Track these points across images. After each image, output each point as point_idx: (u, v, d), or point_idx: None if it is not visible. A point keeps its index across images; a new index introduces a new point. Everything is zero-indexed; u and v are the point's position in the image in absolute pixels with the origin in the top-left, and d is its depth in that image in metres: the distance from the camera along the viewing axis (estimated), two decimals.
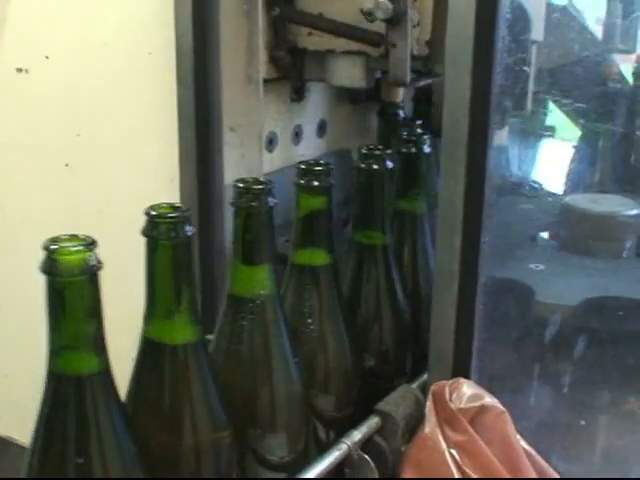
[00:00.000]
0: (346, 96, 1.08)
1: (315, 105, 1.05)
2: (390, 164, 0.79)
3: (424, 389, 0.77)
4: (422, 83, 1.00)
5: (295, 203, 0.72)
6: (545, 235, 1.03)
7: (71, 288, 0.53)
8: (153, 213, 0.58)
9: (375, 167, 0.78)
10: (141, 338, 0.62)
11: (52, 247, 0.52)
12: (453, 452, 0.70)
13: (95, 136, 0.94)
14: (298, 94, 0.99)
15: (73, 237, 0.53)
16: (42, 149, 0.98)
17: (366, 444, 0.74)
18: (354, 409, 0.78)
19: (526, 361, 0.86)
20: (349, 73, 0.91)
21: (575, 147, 1.25)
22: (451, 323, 0.73)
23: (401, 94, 1.05)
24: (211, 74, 0.84)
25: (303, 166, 0.71)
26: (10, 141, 1.01)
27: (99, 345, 0.55)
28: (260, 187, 0.65)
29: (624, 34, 1.18)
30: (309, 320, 0.75)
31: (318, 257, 0.74)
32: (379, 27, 0.87)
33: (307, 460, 0.71)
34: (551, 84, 1.12)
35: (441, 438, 0.71)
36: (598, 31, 1.30)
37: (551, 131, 1.28)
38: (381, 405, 0.75)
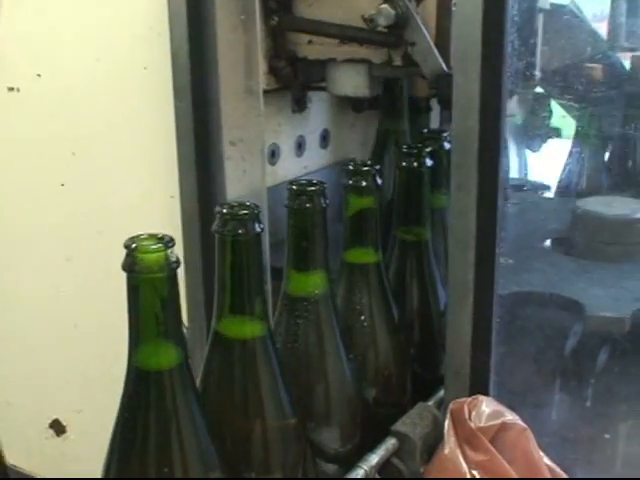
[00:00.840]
0: (348, 105, 1.06)
1: (317, 115, 1.03)
2: (430, 162, 0.82)
3: (441, 406, 0.74)
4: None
5: (343, 204, 0.75)
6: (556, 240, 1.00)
7: (150, 285, 0.55)
8: (224, 211, 0.61)
9: (415, 165, 0.82)
10: (211, 333, 0.65)
11: (132, 246, 0.55)
12: (474, 473, 0.68)
13: (91, 155, 0.92)
14: (299, 104, 0.97)
15: (152, 236, 0.56)
16: (37, 169, 0.96)
17: (383, 467, 0.71)
18: (406, 403, 0.79)
19: (547, 374, 0.84)
20: (352, 82, 0.89)
21: (581, 148, 1.22)
22: (467, 338, 0.71)
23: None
24: (209, 87, 0.82)
25: (350, 167, 0.74)
26: (3, 161, 0.98)
27: (178, 339, 0.57)
28: (314, 189, 0.67)
29: (629, 32, 1.16)
30: (362, 317, 0.77)
31: (367, 255, 0.77)
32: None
33: (361, 451, 0.72)
34: (556, 84, 1.10)
35: (461, 458, 0.68)
36: (598, 28, 1.28)
37: (556, 133, 1.26)
38: (398, 426, 0.73)
